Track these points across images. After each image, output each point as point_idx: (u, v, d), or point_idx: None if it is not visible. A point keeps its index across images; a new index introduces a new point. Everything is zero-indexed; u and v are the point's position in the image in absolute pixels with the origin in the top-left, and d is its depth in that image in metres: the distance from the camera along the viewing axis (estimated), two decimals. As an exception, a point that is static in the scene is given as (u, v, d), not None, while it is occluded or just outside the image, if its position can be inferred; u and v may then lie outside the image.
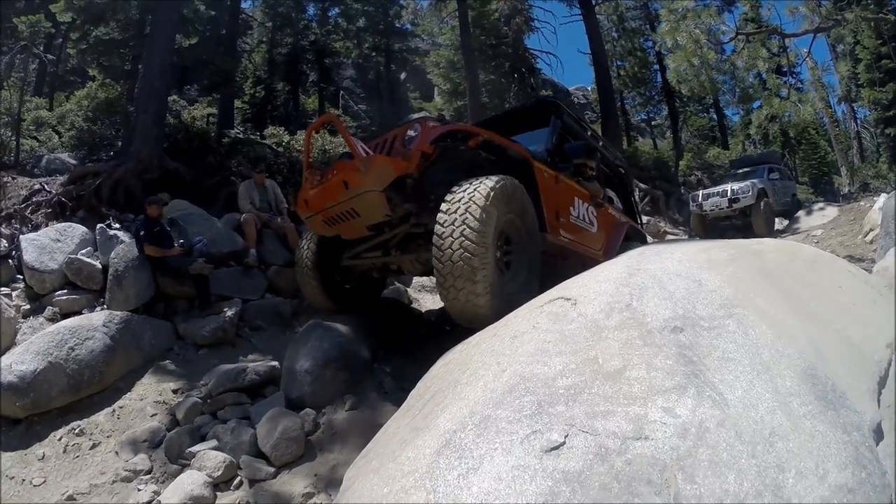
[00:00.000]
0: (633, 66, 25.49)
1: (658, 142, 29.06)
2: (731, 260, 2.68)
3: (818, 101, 27.27)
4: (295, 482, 3.43)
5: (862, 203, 13.58)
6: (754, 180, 14.01)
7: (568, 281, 2.67)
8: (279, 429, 3.65)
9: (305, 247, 5.08)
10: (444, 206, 3.40)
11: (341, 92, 22.06)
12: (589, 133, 6.08)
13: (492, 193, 3.39)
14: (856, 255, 7.91)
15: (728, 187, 13.95)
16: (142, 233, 5.95)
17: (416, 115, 4.52)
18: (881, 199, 9.47)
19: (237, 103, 17.23)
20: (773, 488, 1.48)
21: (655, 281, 2.32)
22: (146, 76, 9.25)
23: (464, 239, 3.23)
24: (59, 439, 4.26)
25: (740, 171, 16.04)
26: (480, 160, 4.12)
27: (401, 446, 1.93)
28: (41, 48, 13.44)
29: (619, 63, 26.08)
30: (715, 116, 29.84)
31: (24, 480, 3.88)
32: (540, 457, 1.52)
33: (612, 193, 6.46)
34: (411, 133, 3.73)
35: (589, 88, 33.51)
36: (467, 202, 3.32)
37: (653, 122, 31.82)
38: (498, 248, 3.59)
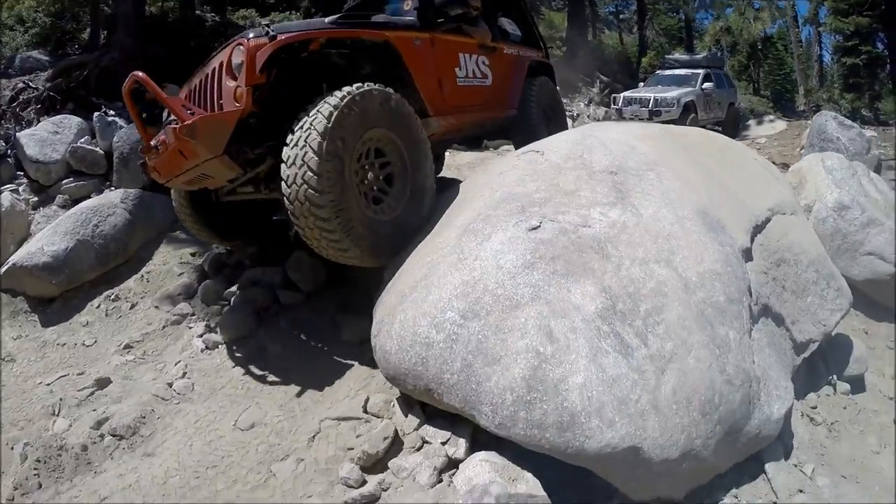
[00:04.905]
0: (604, -47, 24.74)
1: (625, 36, 28.37)
2: (661, 136, 3.61)
3: (789, 17, 27.72)
4: (324, 299, 4.13)
5: (809, 121, 14.47)
6: (683, 91, 12.66)
7: (535, 142, 3.54)
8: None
9: (176, 191, 4.45)
10: (284, 151, 2.89)
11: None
12: None
13: (333, 120, 2.82)
14: (789, 162, 8.66)
15: (651, 96, 12.48)
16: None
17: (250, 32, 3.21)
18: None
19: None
20: (666, 260, 2.50)
21: (600, 143, 3.21)
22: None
23: (307, 189, 2.77)
24: (98, 307, 4.68)
25: (673, 72, 14.52)
26: (333, 61, 3.47)
27: (431, 238, 2.91)
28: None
29: (589, -51, 25.30)
30: (683, 17, 29.15)
31: (75, 344, 4.30)
32: (525, 232, 2.50)
33: (506, 23, 5.54)
34: (236, 61, 3.02)
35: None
36: (303, 145, 2.80)
37: (621, 16, 31.24)
38: (364, 175, 3.16)
